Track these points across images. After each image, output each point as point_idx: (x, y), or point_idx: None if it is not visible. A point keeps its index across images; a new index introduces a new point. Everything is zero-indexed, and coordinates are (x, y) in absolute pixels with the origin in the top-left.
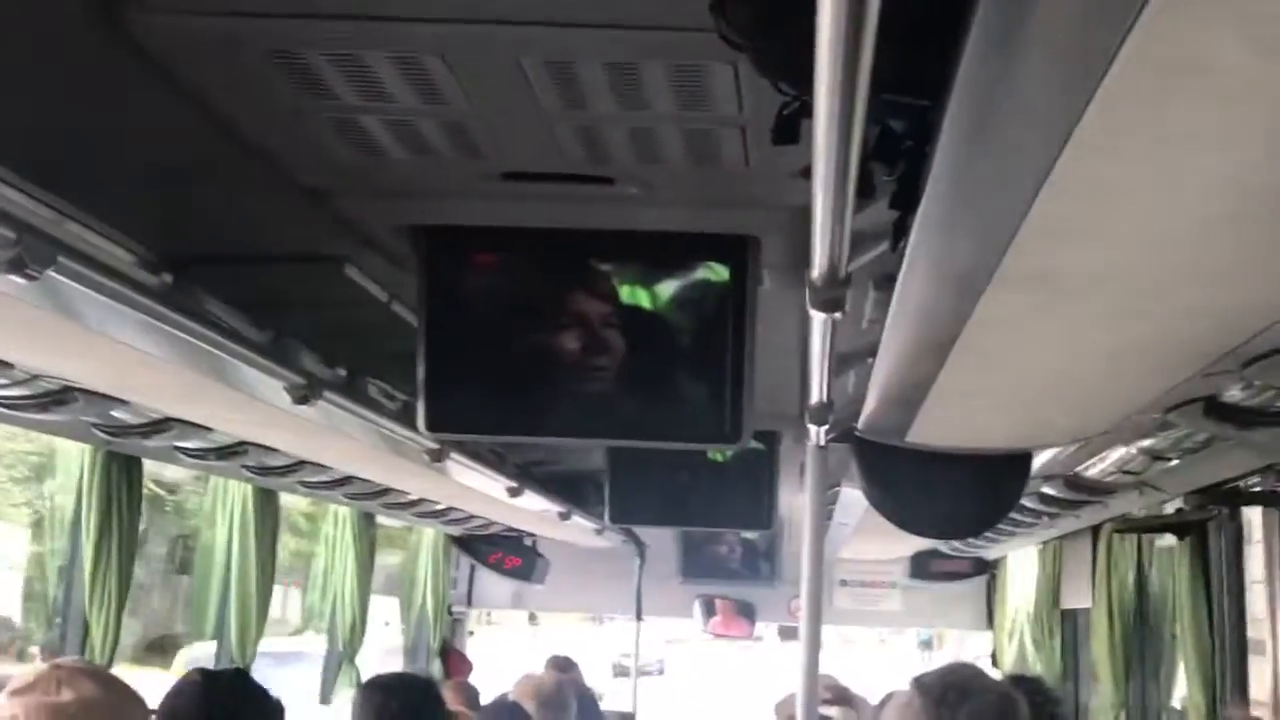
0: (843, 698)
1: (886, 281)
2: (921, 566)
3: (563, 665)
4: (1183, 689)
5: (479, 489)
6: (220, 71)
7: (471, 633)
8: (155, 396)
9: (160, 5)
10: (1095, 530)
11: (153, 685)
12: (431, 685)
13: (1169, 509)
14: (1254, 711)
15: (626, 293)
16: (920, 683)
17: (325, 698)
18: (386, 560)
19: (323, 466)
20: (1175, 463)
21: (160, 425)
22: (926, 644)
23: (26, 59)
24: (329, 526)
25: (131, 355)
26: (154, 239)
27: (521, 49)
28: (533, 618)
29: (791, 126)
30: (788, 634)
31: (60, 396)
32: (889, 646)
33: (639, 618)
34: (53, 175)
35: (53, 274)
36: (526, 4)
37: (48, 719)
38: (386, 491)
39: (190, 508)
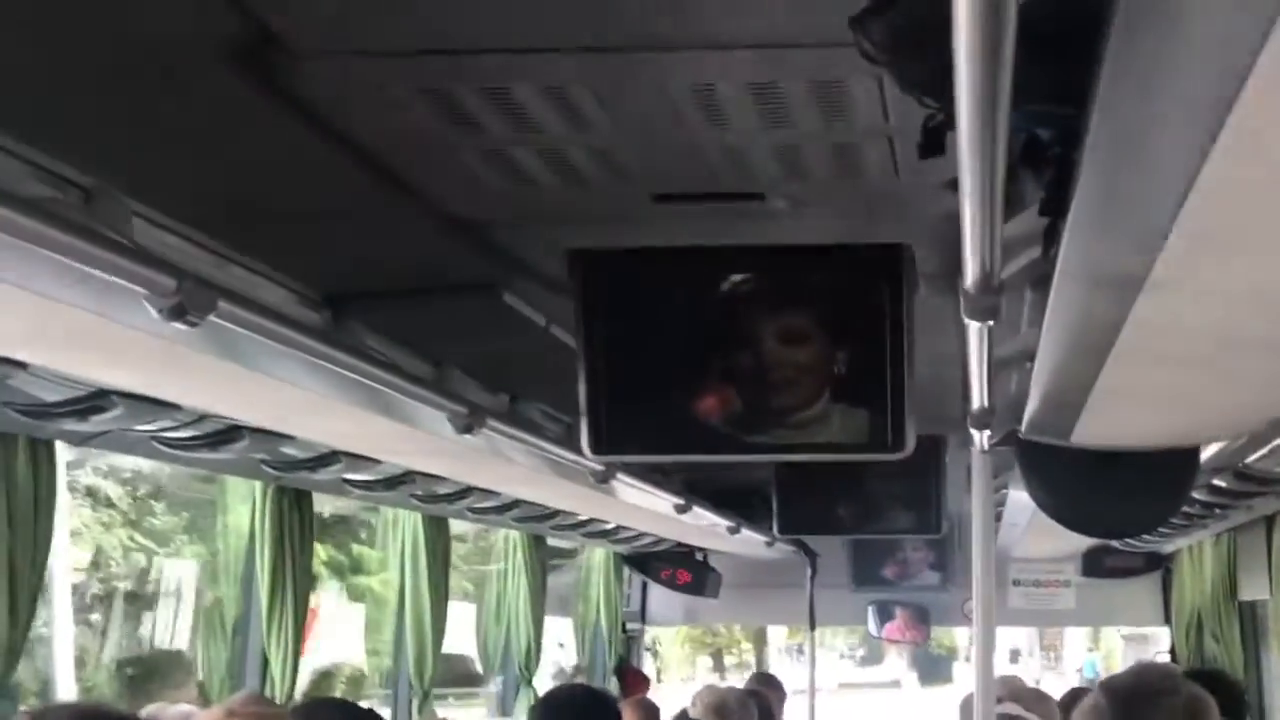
0: (1019, 696)
1: (1043, 283)
2: (1094, 563)
3: (767, 682)
4: None
5: (646, 507)
6: (369, 110)
7: (648, 648)
8: (320, 432)
9: (308, 50)
10: (1270, 520)
11: None
12: (609, 700)
13: None
14: None
15: (782, 307)
16: (1108, 686)
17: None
18: (559, 580)
19: (490, 492)
20: None
21: (327, 459)
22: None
23: (181, 110)
24: (500, 550)
25: (295, 393)
26: (312, 277)
27: (665, 73)
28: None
29: (937, 139)
30: (930, 676)
31: (228, 435)
32: (1021, 668)
33: (812, 627)
34: (209, 221)
35: (214, 318)
36: (668, 29)
37: None
38: (555, 514)
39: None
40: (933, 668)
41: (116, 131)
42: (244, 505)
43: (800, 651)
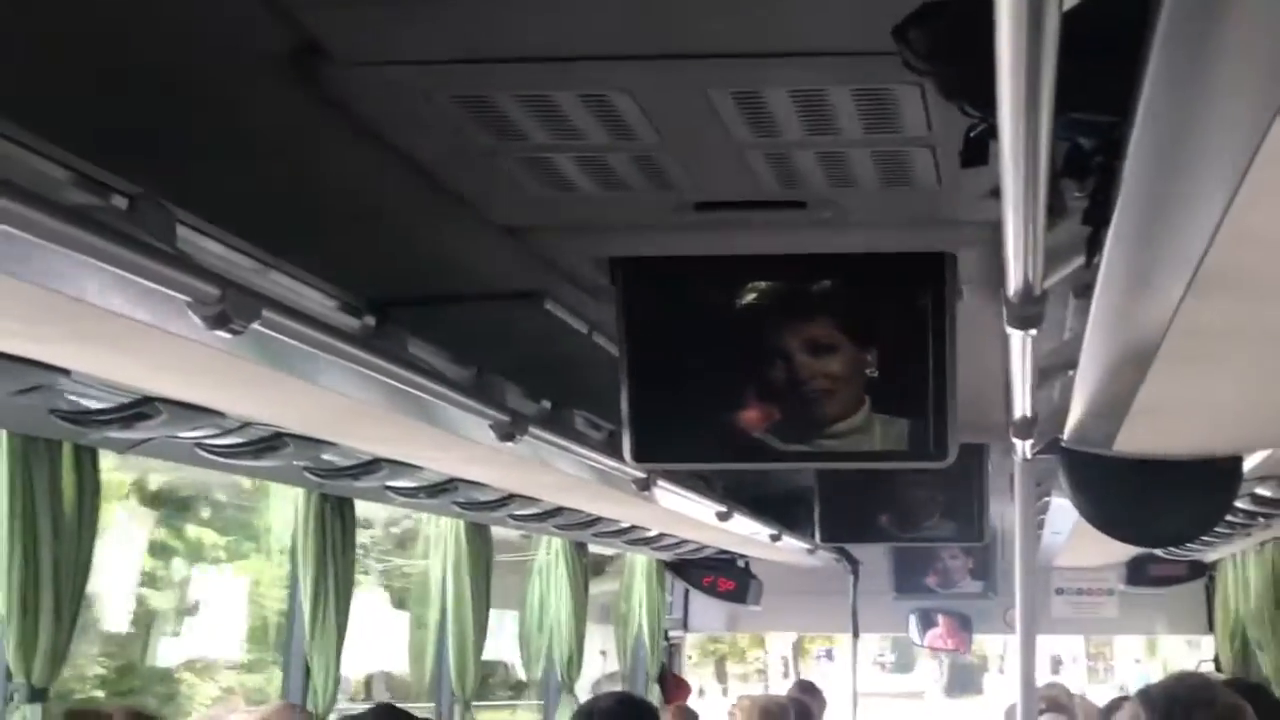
0: (1059, 704)
1: (1086, 291)
2: (1138, 572)
3: (807, 689)
4: None
5: (688, 514)
6: (413, 118)
7: (691, 658)
8: (362, 439)
9: (352, 59)
10: None
11: None
12: (651, 709)
13: None
14: None
15: (825, 316)
16: (1146, 695)
17: None
18: (601, 588)
19: (532, 499)
20: None
21: (370, 466)
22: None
23: (225, 119)
24: (541, 557)
25: (338, 400)
26: (355, 284)
27: (708, 81)
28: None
29: (980, 148)
30: (958, 687)
31: (271, 443)
32: (1064, 679)
33: (855, 635)
34: (255, 229)
35: (258, 326)
36: (711, 37)
37: None
38: (596, 520)
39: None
40: (961, 677)
41: (161, 139)
42: None
43: (829, 656)
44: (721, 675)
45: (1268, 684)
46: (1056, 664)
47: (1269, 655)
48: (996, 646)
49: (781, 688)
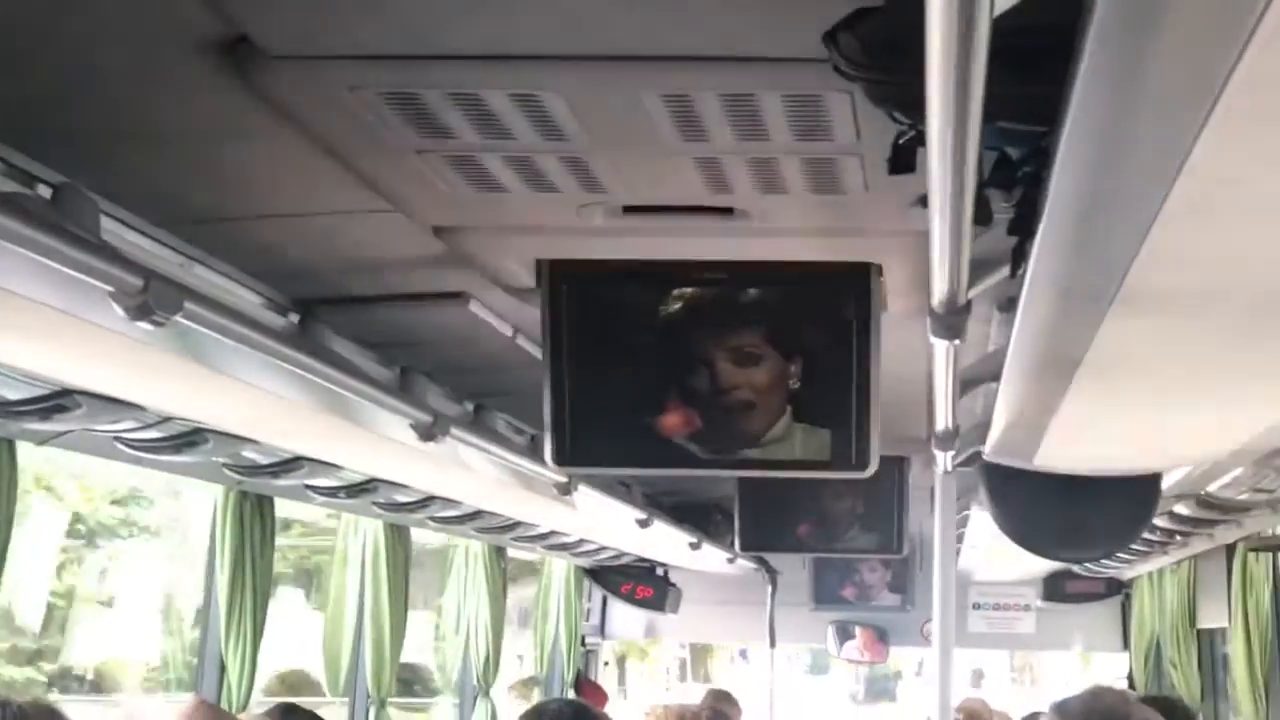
0: (977, 716)
1: (1010, 305)
2: (1055, 588)
3: (723, 697)
4: None
5: (608, 521)
6: (341, 114)
7: (608, 663)
8: (283, 436)
9: (282, 51)
10: (1230, 548)
11: None
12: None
13: None
14: None
15: (748, 324)
16: (1063, 709)
17: None
18: (518, 593)
19: (452, 501)
20: None
21: (290, 464)
22: None
23: (152, 110)
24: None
25: (259, 396)
26: (280, 280)
27: (639, 83)
28: None
29: (907, 156)
30: (869, 694)
31: (191, 438)
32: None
33: (772, 645)
34: (180, 222)
35: (180, 319)
36: (643, 39)
37: None
38: (516, 525)
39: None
40: (874, 685)
41: (86, 129)
42: None
43: (744, 656)
44: (622, 676)
45: (1181, 701)
46: (978, 677)
47: (1181, 673)
48: (913, 654)
49: (679, 695)
